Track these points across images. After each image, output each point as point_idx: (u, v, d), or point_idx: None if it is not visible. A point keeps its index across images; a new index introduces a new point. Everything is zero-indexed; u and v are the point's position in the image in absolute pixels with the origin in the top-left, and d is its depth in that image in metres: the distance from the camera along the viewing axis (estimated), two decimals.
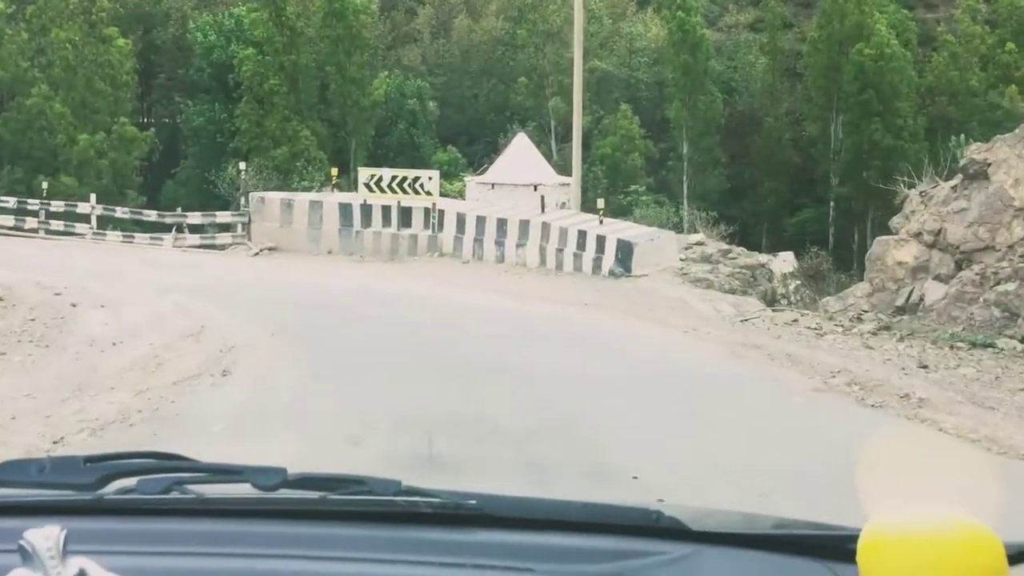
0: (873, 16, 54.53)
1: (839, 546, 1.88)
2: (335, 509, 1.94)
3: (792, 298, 22.78)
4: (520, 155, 33.03)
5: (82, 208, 33.78)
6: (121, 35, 56.61)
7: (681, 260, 24.32)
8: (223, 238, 31.69)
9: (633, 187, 48.46)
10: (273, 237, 30.54)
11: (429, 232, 29.03)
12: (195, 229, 32.59)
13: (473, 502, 1.91)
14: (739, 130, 57.70)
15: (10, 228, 34.20)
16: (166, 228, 32.58)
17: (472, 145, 59.38)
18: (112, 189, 55.66)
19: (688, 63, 54.97)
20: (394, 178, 29.28)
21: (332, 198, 30.91)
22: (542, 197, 28.07)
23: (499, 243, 27.36)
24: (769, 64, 58.70)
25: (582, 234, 25.21)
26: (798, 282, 23.54)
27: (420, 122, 58.78)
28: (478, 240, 27.90)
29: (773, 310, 20.76)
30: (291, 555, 1.80)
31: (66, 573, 1.42)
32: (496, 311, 20.93)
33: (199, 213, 32.81)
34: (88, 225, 33.38)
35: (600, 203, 26.73)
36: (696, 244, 25.41)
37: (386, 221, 29.75)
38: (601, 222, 25.66)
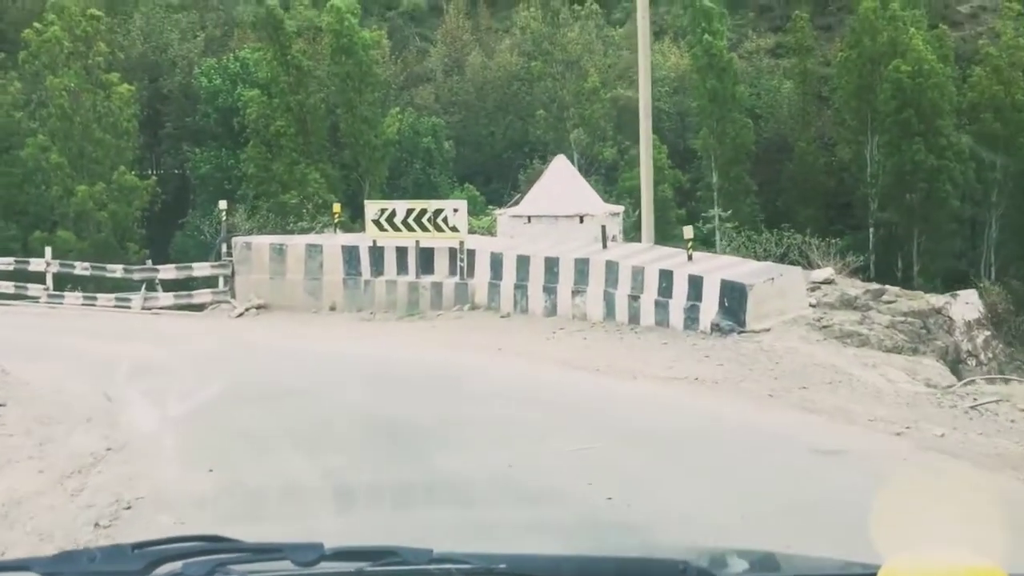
0: (908, 32, 46.11)
1: None
2: None
3: (982, 356, 14.35)
4: (560, 181, 24.47)
5: (35, 265, 25.29)
6: (122, 81, 48.25)
7: (812, 306, 15.62)
8: (203, 295, 23.08)
9: (712, 212, 38.43)
10: (262, 292, 22.01)
11: (456, 279, 20.46)
12: (172, 286, 24.08)
13: (503, 565, 1.80)
14: (768, 157, 49.26)
15: None
16: (136, 286, 24.10)
17: (490, 184, 50.82)
18: (112, 242, 47.14)
19: (715, 89, 46.52)
20: (410, 212, 20.74)
21: (334, 240, 22.37)
22: (603, 228, 19.41)
23: (548, 290, 18.78)
24: (797, 88, 50.25)
25: (666, 275, 16.57)
26: (987, 333, 14.92)
27: (436, 161, 50.20)
28: (520, 287, 19.32)
29: (985, 379, 12.16)
30: None
31: None
32: (569, 400, 12.34)
33: (172, 266, 24.19)
34: (43, 286, 24.90)
35: (688, 232, 17.96)
36: (824, 283, 16.71)
37: (402, 267, 21.18)
38: (690, 257, 17.01)
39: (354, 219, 30.25)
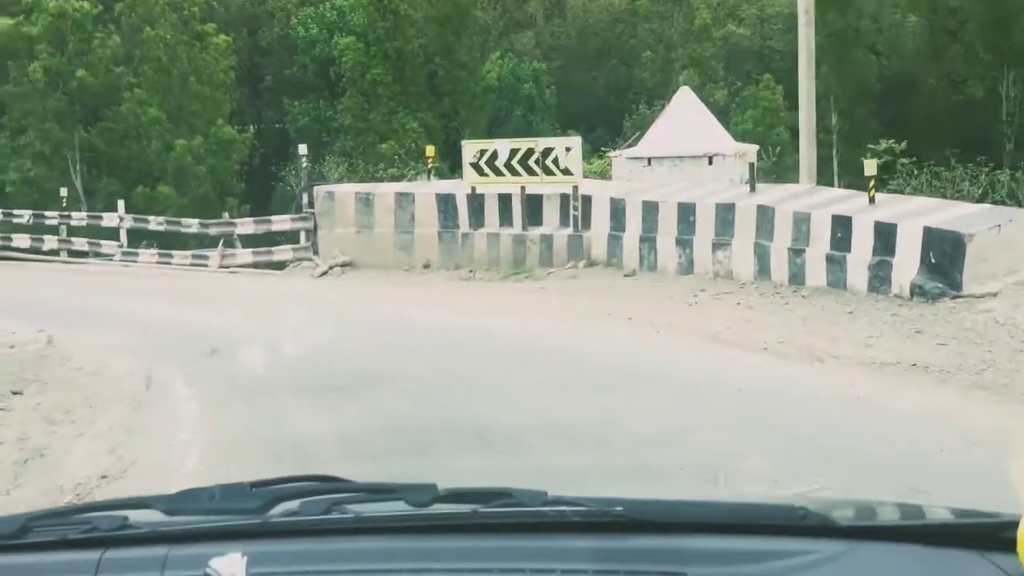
0: None
1: (994, 535, 1.62)
2: (485, 522, 1.73)
3: None
4: (685, 117, 20.30)
5: (108, 220, 21.99)
6: (218, 33, 45.03)
7: None
8: (283, 252, 19.49)
9: (885, 143, 33.08)
10: (348, 248, 18.34)
11: (569, 231, 16.51)
12: (252, 241, 20.59)
13: (620, 508, 1.70)
14: (893, 96, 44.01)
15: (25, 250, 22.54)
16: (214, 242, 20.64)
17: (594, 131, 46.33)
18: (212, 197, 44.12)
19: (835, 24, 41.47)
20: (514, 153, 16.81)
21: (428, 188, 18.59)
22: (751, 166, 15.24)
23: (683, 243, 14.73)
24: (924, 21, 44.83)
25: (841, 222, 12.31)
26: None
27: (538, 108, 46.03)
28: (647, 239, 15.28)
29: None
30: (446, 568, 1.67)
31: None
32: (744, 399, 8.32)
33: (250, 220, 20.60)
34: (116, 243, 21.60)
35: (870, 167, 13.49)
36: None
37: (505, 217, 17.33)
38: (872, 200, 12.74)
39: (453, 170, 26.51)
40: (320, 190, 18.78)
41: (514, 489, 1.78)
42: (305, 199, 18.99)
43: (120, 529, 1.72)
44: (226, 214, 20.67)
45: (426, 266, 17.73)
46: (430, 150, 20.35)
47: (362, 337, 12.33)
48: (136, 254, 21.11)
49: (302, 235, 19.04)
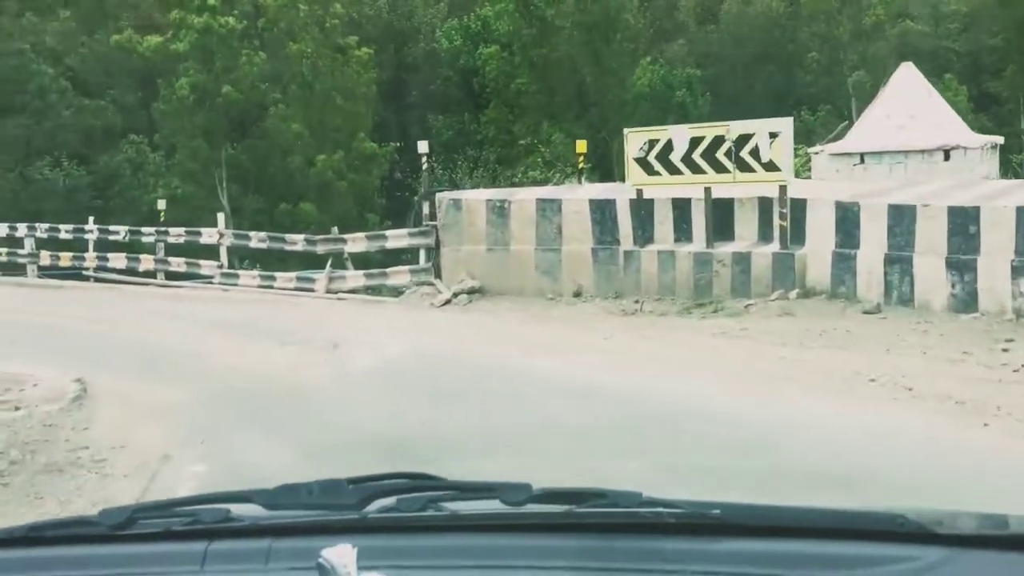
0: None
1: None
2: (580, 522, 1.62)
3: None
4: (909, 102, 14.67)
5: (207, 237, 17.60)
6: (360, 46, 41.05)
7: None
8: (399, 275, 14.68)
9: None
10: (477, 269, 13.46)
11: (775, 247, 11.23)
12: (365, 261, 15.91)
13: (716, 511, 1.57)
14: None
15: (121, 271, 18.39)
16: (323, 261, 15.97)
17: None
18: (352, 214, 40.05)
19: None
20: (695, 143, 11.58)
21: (578, 194, 13.54)
22: None
23: (958, 265, 9.27)
24: None
25: None
26: None
27: (691, 116, 40.41)
28: (896, 260, 9.80)
29: None
30: (541, 566, 1.57)
31: None
32: None
33: (362, 235, 15.70)
34: (216, 263, 17.21)
35: None
36: None
37: (683, 230, 12.14)
38: None
39: (602, 181, 21.42)
40: (444, 198, 13.87)
41: (609, 490, 1.64)
42: (426, 209, 14.16)
43: (224, 522, 1.64)
44: (335, 229, 16.04)
45: (576, 294, 12.64)
46: (581, 145, 15.13)
47: (496, 415, 7.32)
48: (236, 276, 16.67)
49: (422, 254, 14.21)
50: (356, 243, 15.22)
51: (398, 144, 46.20)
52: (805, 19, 40.24)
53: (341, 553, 1.39)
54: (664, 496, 1.61)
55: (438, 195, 13.86)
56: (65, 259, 19.12)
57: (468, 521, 1.67)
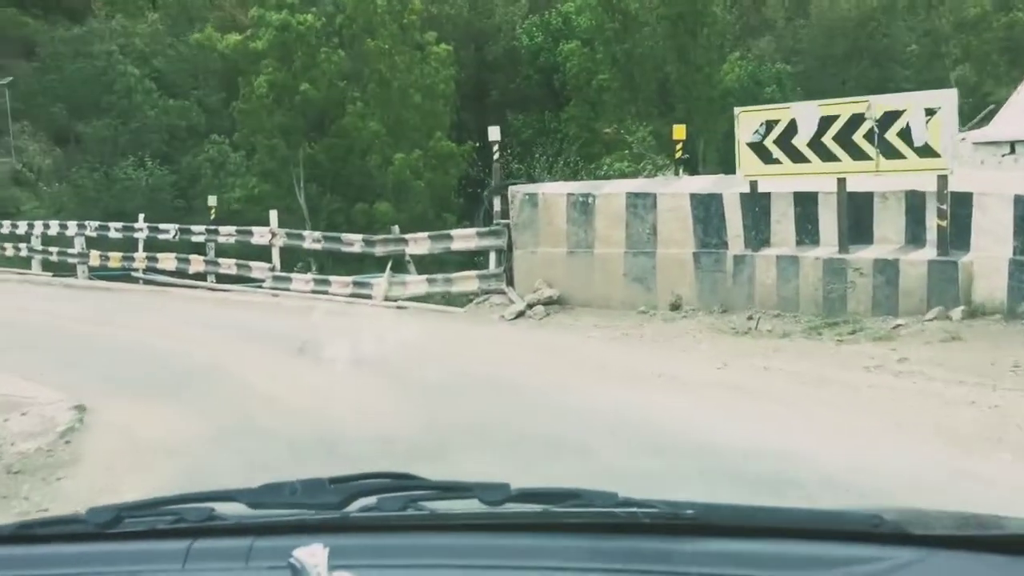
0: None
1: None
2: (556, 521, 1.58)
3: None
4: None
5: (258, 237, 15.48)
6: (438, 41, 38.98)
7: None
8: (466, 281, 12.31)
9: None
10: (556, 276, 11.12)
11: (931, 254, 8.69)
12: (431, 265, 13.68)
13: (691, 511, 1.53)
14: None
15: (171, 273, 16.43)
16: (382, 264, 13.72)
17: None
18: (429, 214, 37.97)
19: None
20: (826, 123, 9.09)
21: (676, 187, 11.08)
22: None
23: None
24: None
25: None
26: None
27: None
28: None
29: None
30: (518, 565, 1.54)
31: None
32: None
33: (425, 236, 13.34)
34: (268, 265, 15.10)
35: None
36: None
37: (807, 231, 9.63)
38: None
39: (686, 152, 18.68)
40: (518, 192, 11.47)
41: (585, 490, 1.58)
42: (497, 205, 11.81)
43: (207, 520, 1.62)
44: (395, 228, 13.76)
45: (674, 307, 10.17)
46: (679, 131, 12.53)
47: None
48: (288, 280, 14.54)
49: (492, 257, 11.86)
50: (418, 244, 12.93)
51: (476, 144, 44.05)
52: (901, 11, 36.95)
53: (312, 552, 1.33)
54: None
55: (511, 189, 11.48)
56: (115, 259, 17.26)
57: (446, 521, 1.62)
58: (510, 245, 11.51)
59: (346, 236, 14.23)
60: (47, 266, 18.84)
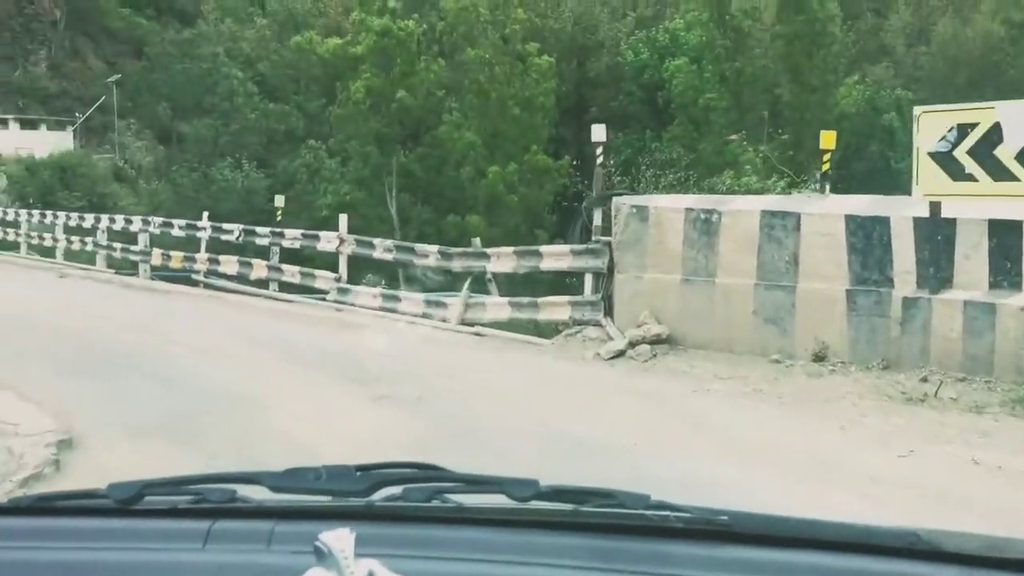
0: None
1: None
2: (586, 521, 1.49)
3: None
4: None
5: (325, 243, 13.45)
6: (540, 52, 36.97)
7: None
8: (556, 307, 10.02)
9: None
10: (666, 308, 8.85)
11: None
12: (512, 286, 11.47)
13: (724, 518, 1.43)
14: None
15: (232, 278, 14.57)
16: (460, 280, 11.55)
17: None
18: (522, 229, 35.85)
19: None
20: None
21: (823, 207, 8.71)
22: None
23: None
24: None
25: None
26: None
27: (898, 142, 34.44)
28: None
29: None
30: (545, 564, 1.44)
31: (358, 574, 1.22)
32: None
33: (511, 251, 10.99)
34: (334, 275, 13.07)
35: None
36: None
37: (1004, 271, 7.26)
38: None
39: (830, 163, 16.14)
40: (623, 204, 9.17)
41: (617, 491, 1.50)
42: (596, 219, 9.56)
43: (229, 502, 1.56)
44: (476, 241, 11.52)
45: (818, 358, 7.76)
46: (828, 138, 9.91)
47: None
48: (355, 293, 12.49)
49: (588, 281, 9.58)
50: (501, 260, 10.72)
51: (574, 161, 41.90)
52: None
53: (339, 537, 1.25)
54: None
55: (615, 200, 9.20)
56: (176, 260, 15.51)
57: (472, 514, 1.55)
58: (611, 267, 9.23)
59: (420, 247, 12.11)
60: (111, 263, 17.23)
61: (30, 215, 19.88)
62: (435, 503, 1.54)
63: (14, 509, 1.62)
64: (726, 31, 32.89)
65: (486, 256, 10.98)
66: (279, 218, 15.65)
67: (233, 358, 9.37)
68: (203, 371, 8.73)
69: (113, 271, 16.86)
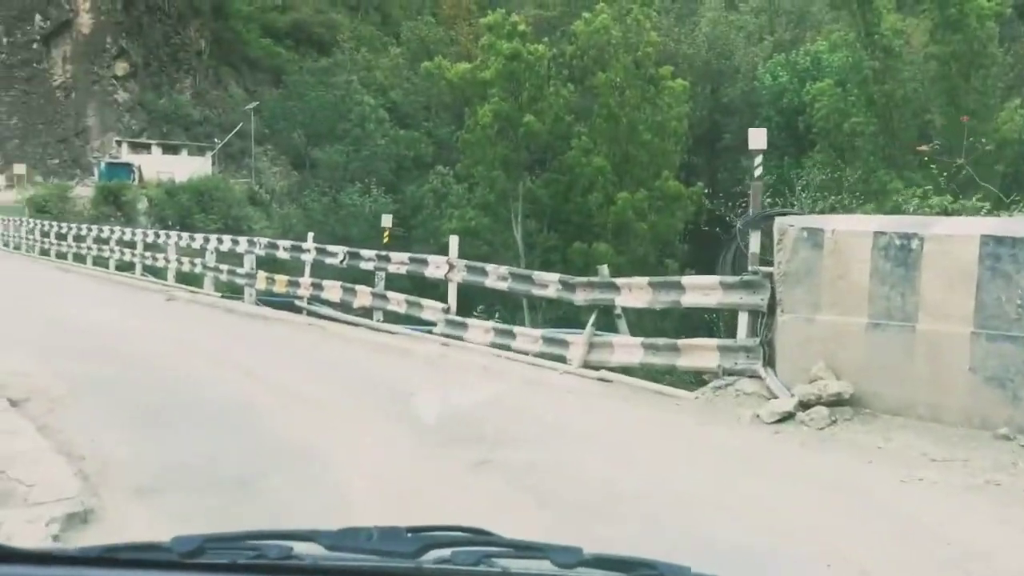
0: None
1: None
2: None
3: None
4: None
5: (433, 268, 11.70)
6: (674, 76, 34.89)
7: None
8: (700, 352, 8.00)
9: None
10: (845, 358, 6.77)
11: None
12: (646, 324, 9.49)
13: None
14: None
15: (335, 304, 13.04)
16: (584, 314, 9.66)
17: None
18: (651, 259, 33.78)
19: None
20: None
21: None
22: None
23: None
24: None
25: None
26: None
27: None
28: None
29: None
30: None
31: None
32: None
33: (644, 282, 8.96)
34: (441, 305, 11.35)
35: None
36: None
37: None
38: None
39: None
40: (790, 225, 7.10)
41: (659, 561, 1.53)
42: (754, 243, 7.54)
43: (287, 558, 1.58)
44: (604, 269, 9.51)
45: None
46: None
47: None
48: (463, 326, 10.73)
49: (742, 321, 7.52)
50: (633, 293, 8.73)
51: (706, 189, 39.50)
52: None
53: None
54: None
55: (778, 222, 7.16)
56: (280, 283, 14.12)
57: None
58: (772, 306, 7.18)
59: (539, 275, 10.26)
60: (218, 285, 16.03)
61: (145, 235, 19.01)
62: (482, 567, 1.52)
63: (83, 559, 1.59)
64: (874, 52, 30.11)
65: (615, 288, 9.04)
66: (386, 240, 14.07)
67: (314, 403, 7.72)
68: (275, 418, 7.10)
69: (219, 294, 15.64)
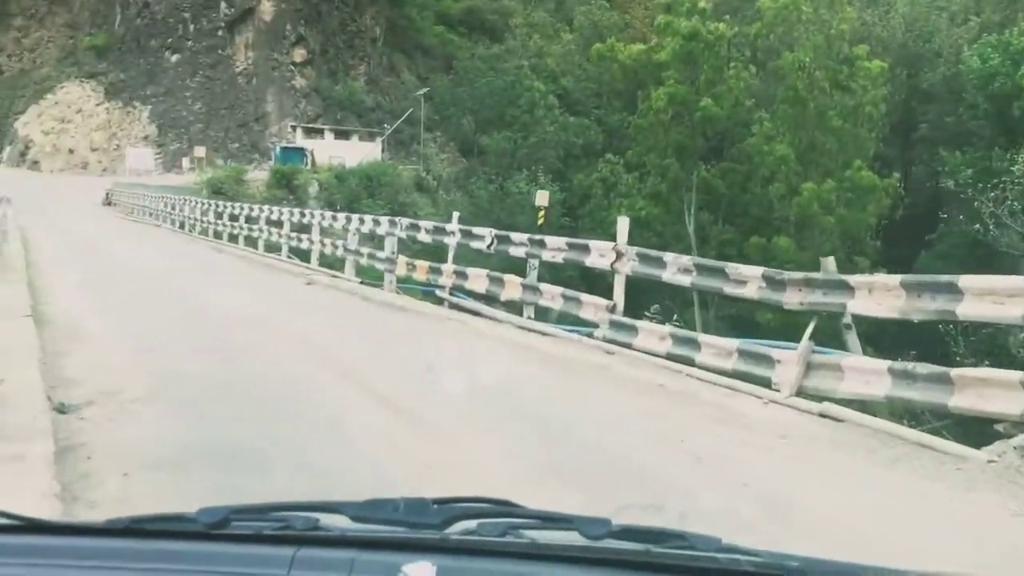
0: None
1: None
2: (657, 561, 1.41)
3: None
4: None
5: (596, 257, 9.25)
6: (870, 56, 31.00)
7: None
8: (989, 389, 5.40)
9: None
10: None
11: None
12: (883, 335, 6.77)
13: (796, 564, 1.38)
14: None
15: (479, 296, 10.80)
16: (796, 322, 7.04)
17: None
18: (838, 255, 30.17)
19: None
20: None
21: None
22: None
23: None
24: None
25: None
26: None
27: None
28: None
29: None
30: None
31: None
32: None
33: (896, 281, 6.23)
34: (604, 303, 8.93)
35: None
36: None
37: None
38: None
39: None
40: None
41: (688, 532, 1.46)
42: None
43: (313, 530, 1.53)
44: (829, 262, 6.87)
45: None
46: None
47: None
48: (632, 330, 8.25)
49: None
50: (875, 296, 5.95)
51: (901, 182, 35.22)
52: None
53: (421, 570, 1.31)
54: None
55: None
56: (421, 269, 12.02)
57: (545, 551, 1.49)
58: None
59: (734, 268, 7.65)
60: (358, 270, 14.14)
61: (291, 213, 17.40)
62: (509, 538, 1.49)
63: (110, 531, 1.59)
64: None
65: (847, 287, 6.34)
66: (541, 222, 11.70)
67: (426, 427, 5.46)
68: (370, 446, 4.90)
69: (359, 280, 13.72)
